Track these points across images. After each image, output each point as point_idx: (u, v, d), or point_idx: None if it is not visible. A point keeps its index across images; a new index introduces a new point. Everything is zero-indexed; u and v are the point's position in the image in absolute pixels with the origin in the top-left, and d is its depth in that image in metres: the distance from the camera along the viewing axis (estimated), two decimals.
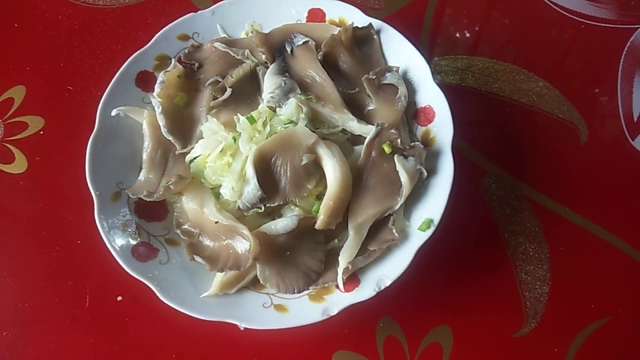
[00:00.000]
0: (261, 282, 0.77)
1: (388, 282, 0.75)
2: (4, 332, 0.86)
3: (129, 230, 0.81)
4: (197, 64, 0.90)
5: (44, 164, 0.98)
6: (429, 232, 0.77)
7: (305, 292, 0.78)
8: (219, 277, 0.78)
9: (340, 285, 0.76)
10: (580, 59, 1.07)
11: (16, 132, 1.01)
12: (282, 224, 0.77)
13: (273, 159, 0.79)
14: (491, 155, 0.97)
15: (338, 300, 0.76)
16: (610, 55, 1.07)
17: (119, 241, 0.79)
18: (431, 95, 0.86)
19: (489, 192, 0.94)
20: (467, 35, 1.08)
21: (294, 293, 0.77)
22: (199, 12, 0.92)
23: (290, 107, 0.82)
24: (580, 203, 0.94)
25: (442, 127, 0.84)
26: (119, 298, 0.87)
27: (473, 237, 0.92)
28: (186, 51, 0.91)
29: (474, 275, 0.89)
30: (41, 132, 1.00)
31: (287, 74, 0.86)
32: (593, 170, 0.97)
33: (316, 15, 0.94)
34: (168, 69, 0.87)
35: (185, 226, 0.82)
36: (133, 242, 0.80)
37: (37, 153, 0.99)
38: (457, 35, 1.07)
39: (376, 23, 0.91)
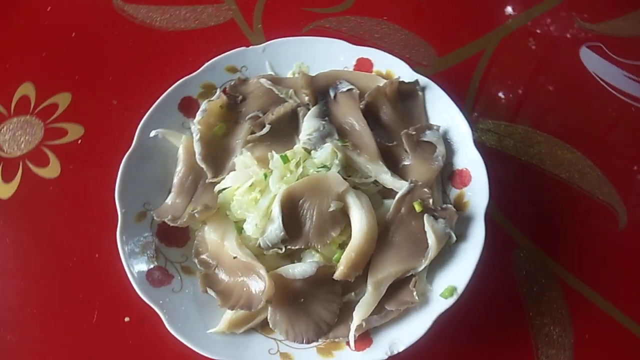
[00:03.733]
0: (270, 326, 0.75)
1: (402, 348, 0.72)
2: (7, 335, 0.85)
3: (148, 252, 0.80)
4: (240, 97, 0.91)
5: (76, 173, 0.99)
6: (450, 301, 0.74)
7: (314, 343, 0.75)
8: (228, 315, 0.76)
9: (351, 343, 0.73)
10: (626, 141, 1.04)
11: (55, 138, 1.03)
12: (300, 269, 0.75)
13: (301, 202, 0.78)
14: (524, 228, 0.93)
15: (347, 358, 0.73)
16: None
17: (136, 262, 0.78)
18: (470, 159, 0.84)
19: (518, 265, 0.91)
20: (512, 101, 1.06)
21: (302, 343, 0.74)
22: (251, 47, 0.94)
23: (326, 152, 0.82)
24: (613, 291, 0.89)
25: (477, 193, 0.82)
26: (127, 319, 0.86)
27: (496, 310, 0.88)
28: (232, 83, 0.92)
29: (492, 351, 0.85)
30: (79, 141, 1.02)
31: (327, 118, 0.86)
32: (629, 259, 0.92)
33: (364, 64, 0.94)
34: (212, 98, 0.88)
35: (204, 256, 0.81)
36: (150, 266, 0.79)
37: (71, 161, 1.00)
38: (503, 100, 1.06)
39: (423, 80, 0.91)
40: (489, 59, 1.10)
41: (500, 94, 1.06)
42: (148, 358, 0.83)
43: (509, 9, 1.16)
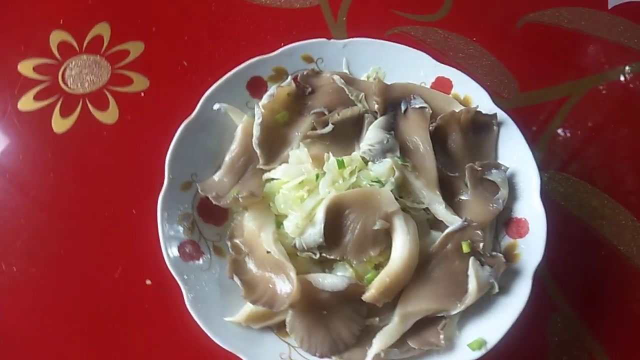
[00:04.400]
0: (287, 330, 0.73)
1: None
2: (31, 268, 0.86)
3: (185, 224, 0.79)
4: (310, 89, 0.88)
5: (132, 124, 0.99)
6: (477, 354, 0.70)
7: (326, 359, 0.73)
8: (248, 307, 0.74)
9: None
10: None
11: (120, 84, 1.03)
12: (330, 281, 0.73)
13: (347, 212, 0.75)
14: (568, 293, 0.88)
15: None
16: None
17: (171, 231, 0.77)
18: (532, 210, 0.79)
19: (552, 330, 0.86)
20: (587, 157, 1.00)
21: (315, 355, 0.73)
22: (332, 40, 0.90)
23: (384, 167, 0.78)
24: None
25: (531, 248, 0.77)
26: (148, 282, 0.85)
27: None
28: (305, 73, 0.89)
29: None
30: (142, 94, 1.01)
31: (392, 132, 0.83)
32: None
33: (443, 84, 0.90)
34: (281, 84, 0.85)
35: (237, 240, 0.79)
36: (184, 238, 0.78)
37: (130, 111, 1.00)
38: (577, 154, 1.00)
39: (501, 115, 0.85)
40: (573, 106, 1.03)
41: (576, 147, 1.00)
42: (159, 326, 0.83)
43: (607, 60, 1.08)
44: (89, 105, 1.00)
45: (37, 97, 1.01)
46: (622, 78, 1.06)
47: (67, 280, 0.86)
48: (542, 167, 0.96)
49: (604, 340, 0.86)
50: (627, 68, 1.07)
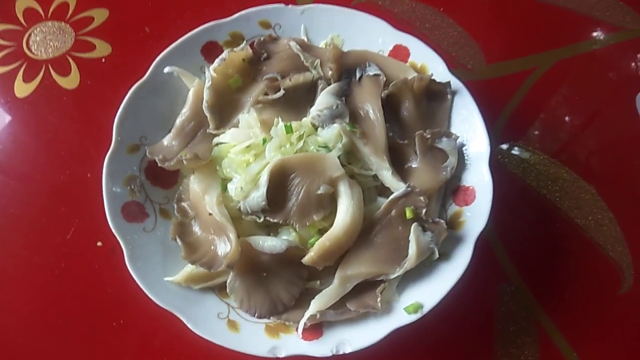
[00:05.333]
0: (227, 291, 0.73)
1: (348, 350, 0.69)
2: None
3: (131, 186, 0.79)
4: (265, 55, 0.88)
5: (92, 90, 0.99)
6: (413, 317, 0.70)
7: (265, 320, 0.73)
8: (188, 268, 0.75)
9: (299, 330, 0.71)
10: None
11: (82, 50, 1.03)
12: (269, 244, 0.73)
13: (291, 176, 0.75)
14: (520, 264, 0.88)
15: (292, 344, 0.71)
16: None
17: (116, 192, 0.78)
18: (480, 179, 0.79)
19: (501, 300, 0.85)
20: (549, 130, 0.99)
21: (254, 316, 0.73)
22: (290, 6, 0.89)
23: (331, 132, 0.78)
24: (593, 356, 0.84)
25: (476, 216, 0.77)
26: (99, 243, 0.86)
27: (463, 339, 0.83)
28: (262, 39, 0.88)
29: None
30: (103, 60, 1.01)
31: (344, 98, 0.82)
32: (622, 326, 0.86)
33: (400, 52, 0.89)
34: (235, 49, 0.85)
35: (184, 204, 0.80)
36: (128, 199, 0.78)
37: (91, 77, 1.00)
38: (539, 126, 0.98)
39: (455, 84, 0.84)
40: (538, 78, 1.01)
41: (539, 119, 0.99)
42: (106, 286, 0.84)
43: (576, 32, 1.06)
44: (52, 71, 1.01)
45: (0, 62, 1.02)
46: (590, 51, 1.04)
47: (21, 239, 0.87)
48: (502, 139, 0.97)
49: (553, 313, 0.85)
50: (596, 41, 1.05)
